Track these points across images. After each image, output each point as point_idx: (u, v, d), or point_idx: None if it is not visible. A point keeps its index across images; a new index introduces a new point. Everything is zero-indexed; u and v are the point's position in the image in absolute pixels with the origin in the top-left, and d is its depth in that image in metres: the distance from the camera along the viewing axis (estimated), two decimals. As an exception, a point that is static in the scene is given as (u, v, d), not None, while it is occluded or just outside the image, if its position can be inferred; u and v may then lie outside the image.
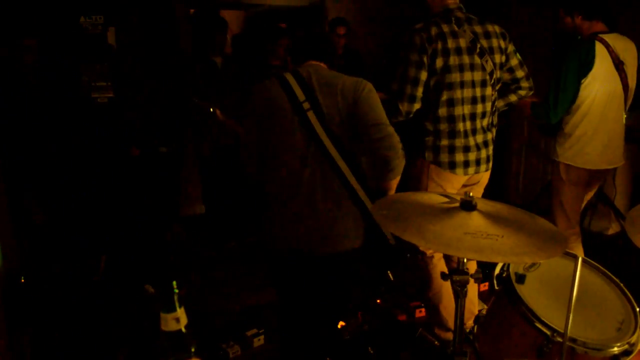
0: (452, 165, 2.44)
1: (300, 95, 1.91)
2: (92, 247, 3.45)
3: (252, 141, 2.01)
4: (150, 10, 4.22)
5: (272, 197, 2.01)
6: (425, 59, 2.33)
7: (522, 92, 2.63)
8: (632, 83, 2.81)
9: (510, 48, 2.52)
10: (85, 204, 3.44)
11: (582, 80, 2.70)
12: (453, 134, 2.42)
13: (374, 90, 1.95)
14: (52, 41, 3.49)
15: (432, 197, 1.58)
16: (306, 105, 1.90)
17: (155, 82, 4.25)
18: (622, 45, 2.74)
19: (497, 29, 2.48)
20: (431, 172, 2.47)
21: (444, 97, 2.38)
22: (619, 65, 2.72)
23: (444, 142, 2.43)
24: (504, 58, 2.49)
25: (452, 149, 2.43)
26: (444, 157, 2.44)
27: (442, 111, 2.40)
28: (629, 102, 2.87)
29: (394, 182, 2.01)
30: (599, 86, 2.71)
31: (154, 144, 4.04)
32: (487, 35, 2.44)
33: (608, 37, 2.71)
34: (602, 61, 2.68)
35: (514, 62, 2.55)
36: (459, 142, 2.43)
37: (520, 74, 2.58)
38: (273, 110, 1.94)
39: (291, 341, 2.17)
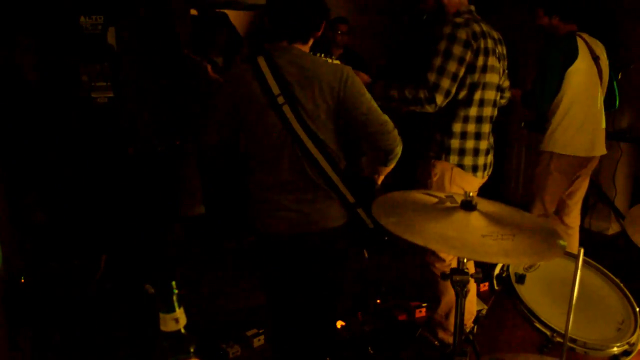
0: (475, 169, 2.41)
1: (275, 88, 1.79)
2: (92, 247, 3.45)
3: (219, 124, 1.91)
4: (150, 10, 4.22)
5: (253, 185, 1.95)
6: (468, 56, 2.23)
7: (502, 101, 2.62)
8: (605, 77, 2.98)
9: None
10: (85, 203, 3.44)
11: (567, 70, 2.80)
12: (479, 135, 2.38)
13: (355, 75, 1.84)
14: (51, 41, 3.49)
15: (427, 198, 1.58)
16: (280, 100, 1.79)
17: (155, 81, 4.25)
18: (594, 42, 2.93)
19: (500, 35, 2.45)
20: (454, 175, 2.40)
21: (477, 96, 2.32)
22: (596, 59, 2.89)
23: (470, 144, 2.38)
24: (505, 65, 2.49)
25: (477, 152, 2.40)
26: (469, 160, 2.39)
27: (473, 111, 2.34)
28: (603, 96, 3.02)
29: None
30: (582, 77, 2.85)
31: (154, 143, 4.04)
32: (500, 42, 2.43)
33: (583, 35, 2.90)
34: (583, 54, 2.84)
35: (505, 71, 2.54)
36: (483, 144, 2.41)
37: (506, 83, 2.58)
38: (247, 102, 1.84)
39: (287, 341, 2.13)
